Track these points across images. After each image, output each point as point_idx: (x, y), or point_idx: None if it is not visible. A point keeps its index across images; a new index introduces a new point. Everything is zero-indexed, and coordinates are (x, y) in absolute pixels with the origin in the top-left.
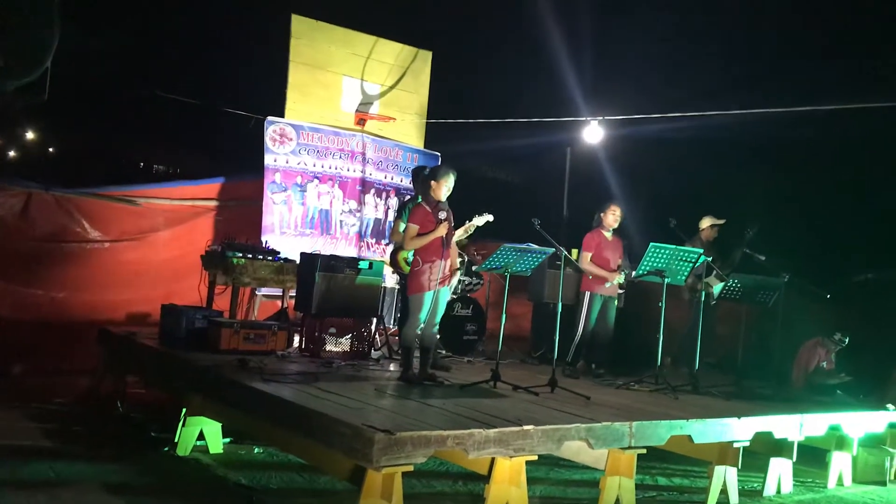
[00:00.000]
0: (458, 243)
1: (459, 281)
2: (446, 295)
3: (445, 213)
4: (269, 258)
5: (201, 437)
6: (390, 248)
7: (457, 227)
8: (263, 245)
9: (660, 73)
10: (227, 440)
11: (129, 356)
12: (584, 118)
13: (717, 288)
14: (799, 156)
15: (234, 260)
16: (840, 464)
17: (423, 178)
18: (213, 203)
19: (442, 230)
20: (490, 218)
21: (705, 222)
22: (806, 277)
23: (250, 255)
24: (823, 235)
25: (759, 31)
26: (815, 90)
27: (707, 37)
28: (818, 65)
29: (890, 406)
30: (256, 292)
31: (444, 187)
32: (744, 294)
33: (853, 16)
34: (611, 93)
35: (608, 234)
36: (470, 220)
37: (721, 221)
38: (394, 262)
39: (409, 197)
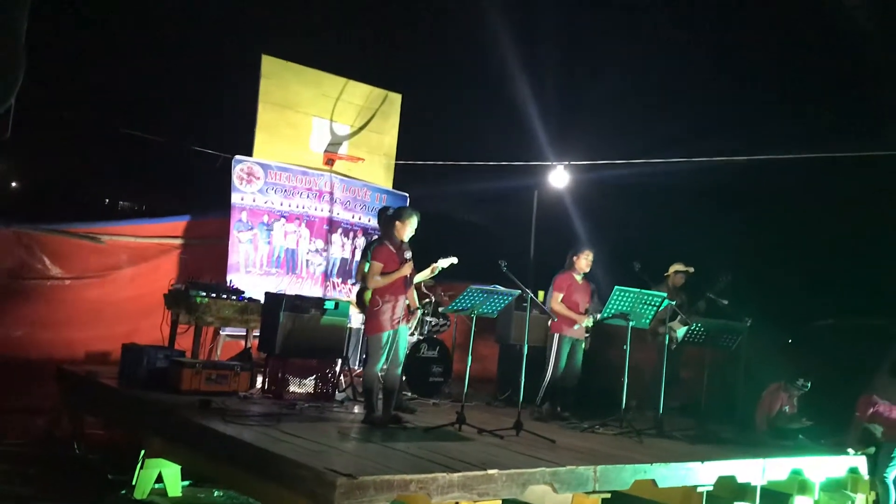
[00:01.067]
0: (423, 284)
1: (426, 322)
2: (406, 334)
3: (410, 253)
4: (234, 297)
5: (160, 479)
6: (356, 288)
7: (421, 268)
8: (228, 284)
9: (626, 121)
10: (187, 483)
11: (88, 396)
12: (550, 163)
13: (681, 332)
14: (762, 203)
15: (198, 299)
16: None
17: (387, 217)
18: (179, 241)
19: (406, 269)
20: (454, 260)
21: (673, 268)
22: (768, 322)
23: (214, 295)
24: (785, 281)
25: (721, 81)
26: (776, 139)
27: (670, 87)
28: (781, 115)
29: (850, 451)
30: (220, 332)
31: (409, 227)
32: (707, 338)
33: (810, 69)
34: (578, 139)
35: (579, 278)
36: (435, 262)
37: (689, 269)
38: (360, 302)
39: (376, 237)
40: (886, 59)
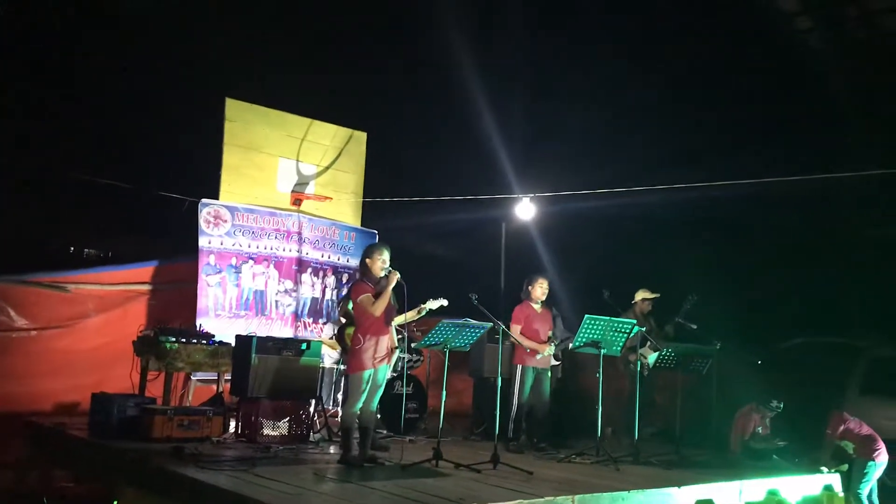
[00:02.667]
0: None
1: (399, 358)
2: (386, 372)
3: (393, 273)
4: (204, 342)
5: None
6: (327, 328)
7: (408, 308)
8: (198, 328)
9: (590, 152)
10: None
11: (57, 448)
12: (516, 195)
13: (653, 357)
14: (726, 229)
15: (167, 345)
16: None
17: (360, 259)
18: (146, 287)
19: (393, 278)
20: (444, 302)
21: (639, 295)
22: (738, 345)
23: (184, 340)
24: (752, 304)
25: (684, 111)
26: (741, 167)
27: (633, 118)
28: (742, 144)
29: (824, 469)
30: (191, 377)
31: (379, 262)
32: (678, 362)
33: (769, 99)
34: (544, 170)
35: (537, 307)
36: (424, 303)
37: (655, 295)
38: (340, 339)
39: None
40: (841, 90)
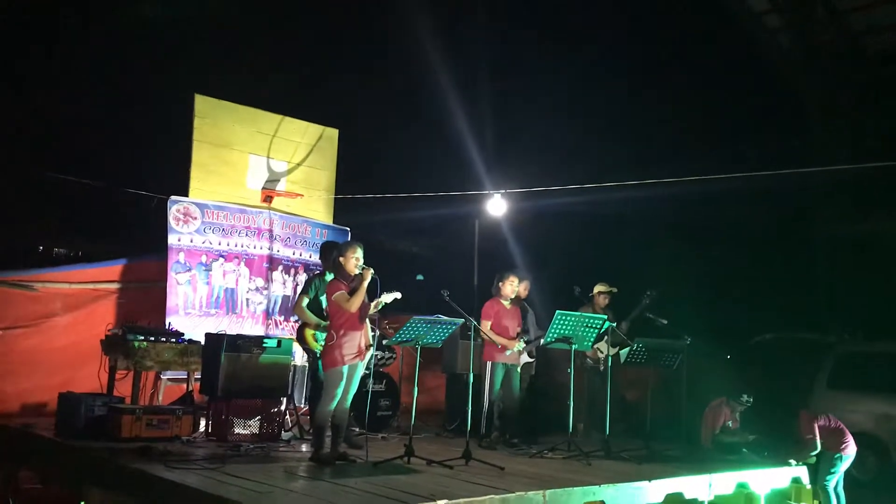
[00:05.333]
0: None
1: (372, 356)
2: (360, 370)
3: (367, 269)
4: (173, 340)
5: None
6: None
7: None
8: (167, 327)
9: (562, 149)
10: None
11: (23, 450)
12: (487, 191)
13: (624, 353)
14: (697, 225)
15: (136, 343)
16: None
17: (333, 257)
18: (115, 286)
19: (367, 275)
20: (398, 295)
21: (597, 289)
22: (708, 340)
23: (153, 338)
24: (723, 300)
25: (656, 107)
26: (711, 164)
27: (603, 116)
28: (713, 141)
29: (792, 461)
30: (161, 376)
31: (353, 260)
32: (649, 357)
33: (749, 97)
34: (515, 167)
35: (507, 303)
36: (378, 297)
37: (612, 289)
38: (300, 339)
39: (317, 272)
40: (809, 88)
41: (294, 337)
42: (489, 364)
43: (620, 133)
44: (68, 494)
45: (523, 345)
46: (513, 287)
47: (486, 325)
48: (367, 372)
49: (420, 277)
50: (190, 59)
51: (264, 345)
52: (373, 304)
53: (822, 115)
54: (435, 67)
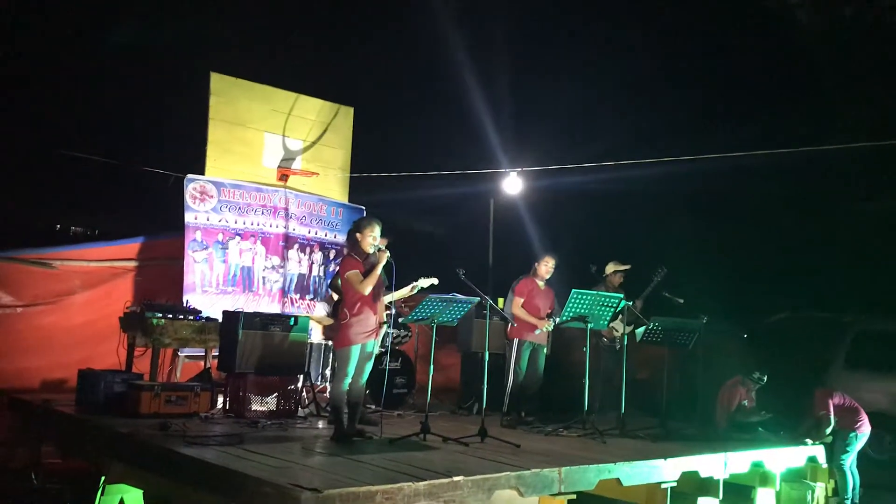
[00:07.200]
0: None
1: (387, 334)
2: (374, 348)
3: (383, 252)
4: (191, 317)
5: None
6: (320, 307)
7: (399, 286)
8: (185, 304)
9: (579, 127)
10: None
11: (45, 425)
12: (503, 170)
13: (640, 331)
14: (714, 203)
15: (154, 321)
16: (765, 499)
17: (349, 232)
18: (133, 263)
19: (383, 258)
20: (435, 281)
21: (610, 268)
22: (724, 319)
23: (171, 315)
24: (740, 278)
25: (674, 83)
26: (729, 140)
27: (622, 92)
28: (731, 117)
29: (808, 440)
30: (179, 353)
31: (369, 238)
32: (664, 337)
33: (760, 71)
34: (532, 145)
35: (541, 284)
36: (416, 281)
37: (626, 266)
38: (335, 315)
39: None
40: (829, 63)
41: (311, 315)
42: (516, 341)
43: (638, 108)
44: (89, 469)
45: (552, 326)
46: (548, 268)
47: (518, 302)
48: (382, 350)
49: (462, 272)
50: (206, 36)
51: (281, 322)
52: (409, 288)
53: (843, 91)
54: (451, 43)
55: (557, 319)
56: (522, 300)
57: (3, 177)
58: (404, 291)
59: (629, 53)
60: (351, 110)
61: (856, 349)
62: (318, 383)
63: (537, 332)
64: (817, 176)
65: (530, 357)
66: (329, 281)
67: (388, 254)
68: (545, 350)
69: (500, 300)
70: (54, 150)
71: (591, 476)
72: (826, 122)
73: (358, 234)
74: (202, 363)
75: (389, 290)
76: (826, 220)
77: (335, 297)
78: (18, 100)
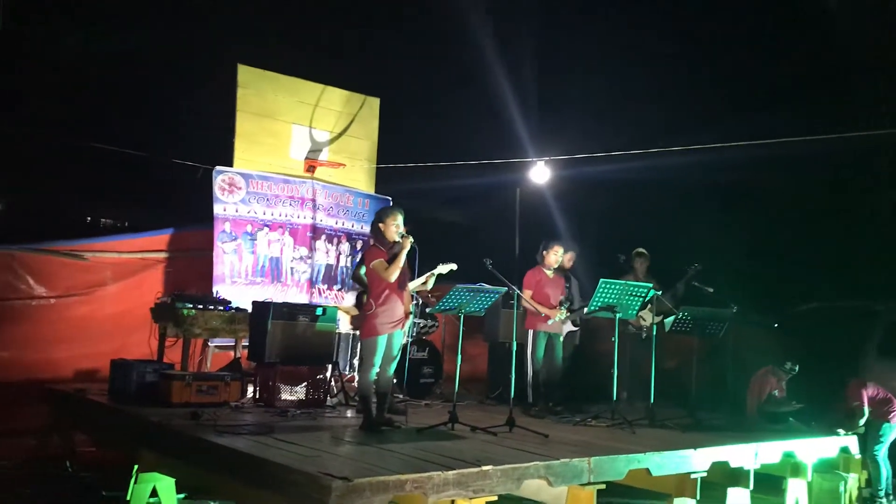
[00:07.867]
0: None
1: (414, 324)
2: (400, 338)
3: (406, 238)
4: (221, 308)
5: (154, 493)
6: (345, 294)
7: (419, 273)
8: (214, 295)
9: (606, 116)
10: (182, 496)
11: (78, 414)
12: (530, 159)
13: (669, 321)
14: (742, 192)
15: (185, 311)
16: (796, 490)
17: (372, 223)
18: (163, 255)
19: (407, 244)
20: (453, 266)
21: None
22: (754, 308)
23: (201, 306)
24: (769, 268)
25: (701, 72)
26: (756, 128)
27: (648, 82)
28: (755, 107)
29: (840, 431)
30: (209, 343)
31: (393, 226)
32: (694, 326)
33: (784, 62)
34: (559, 134)
35: (549, 273)
36: (433, 268)
37: (640, 250)
38: (359, 305)
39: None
40: (854, 50)
41: (339, 305)
42: (531, 332)
43: (664, 97)
44: (121, 457)
45: (565, 313)
46: (556, 257)
47: (526, 294)
48: (409, 340)
49: (489, 262)
50: (233, 28)
51: (311, 312)
52: (427, 275)
53: (870, 78)
54: (478, 32)
55: (570, 305)
56: (530, 292)
57: (35, 171)
58: (423, 279)
59: (659, 40)
60: (377, 101)
61: (888, 339)
62: (347, 373)
63: (550, 321)
64: (848, 163)
65: (546, 347)
66: (352, 272)
67: (411, 239)
68: (562, 338)
69: (528, 291)
70: (85, 143)
71: (620, 466)
72: (854, 108)
73: (381, 224)
74: (232, 353)
75: (411, 277)
76: (857, 208)
77: (358, 287)
78: (50, 93)
